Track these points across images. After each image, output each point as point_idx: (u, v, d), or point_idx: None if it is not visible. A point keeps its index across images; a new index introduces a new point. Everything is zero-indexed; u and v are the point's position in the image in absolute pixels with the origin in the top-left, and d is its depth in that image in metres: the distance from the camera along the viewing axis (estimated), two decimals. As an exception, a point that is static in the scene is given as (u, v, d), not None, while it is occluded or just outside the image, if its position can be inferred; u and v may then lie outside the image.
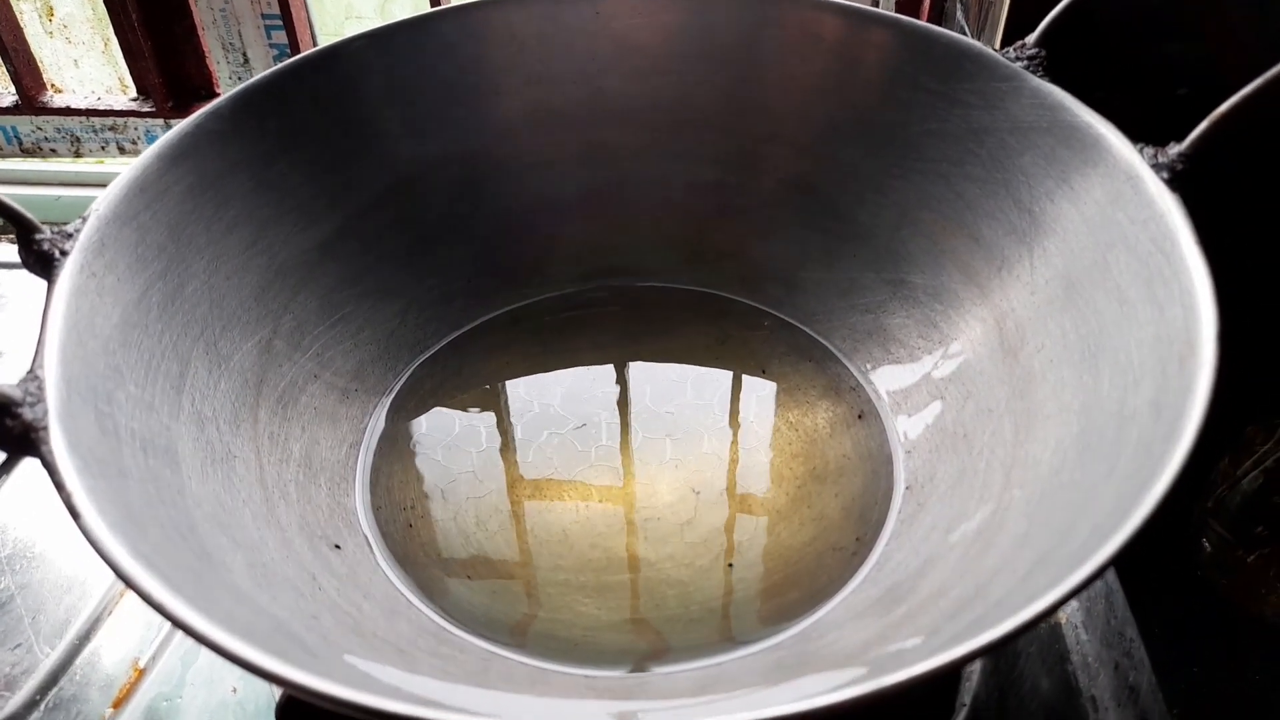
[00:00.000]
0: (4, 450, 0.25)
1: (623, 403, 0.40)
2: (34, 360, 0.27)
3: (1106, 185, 0.33)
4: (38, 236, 0.30)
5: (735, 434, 0.39)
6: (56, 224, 0.32)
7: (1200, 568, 0.42)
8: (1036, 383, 0.33)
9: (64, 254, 0.30)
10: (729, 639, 0.32)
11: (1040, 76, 0.36)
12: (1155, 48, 0.40)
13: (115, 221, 0.32)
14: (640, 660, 0.32)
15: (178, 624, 0.22)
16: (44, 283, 0.54)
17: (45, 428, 0.25)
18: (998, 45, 0.38)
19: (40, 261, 0.30)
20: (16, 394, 0.26)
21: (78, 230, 0.31)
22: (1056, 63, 0.37)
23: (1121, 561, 0.37)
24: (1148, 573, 0.38)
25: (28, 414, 0.25)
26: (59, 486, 0.24)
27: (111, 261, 0.31)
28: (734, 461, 0.38)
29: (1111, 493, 0.26)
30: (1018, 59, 0.37)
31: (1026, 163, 0.36)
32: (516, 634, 0.32)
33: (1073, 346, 0.32)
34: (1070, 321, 0.33)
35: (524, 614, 0.33)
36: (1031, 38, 0.37)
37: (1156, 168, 0.31)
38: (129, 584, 0.22)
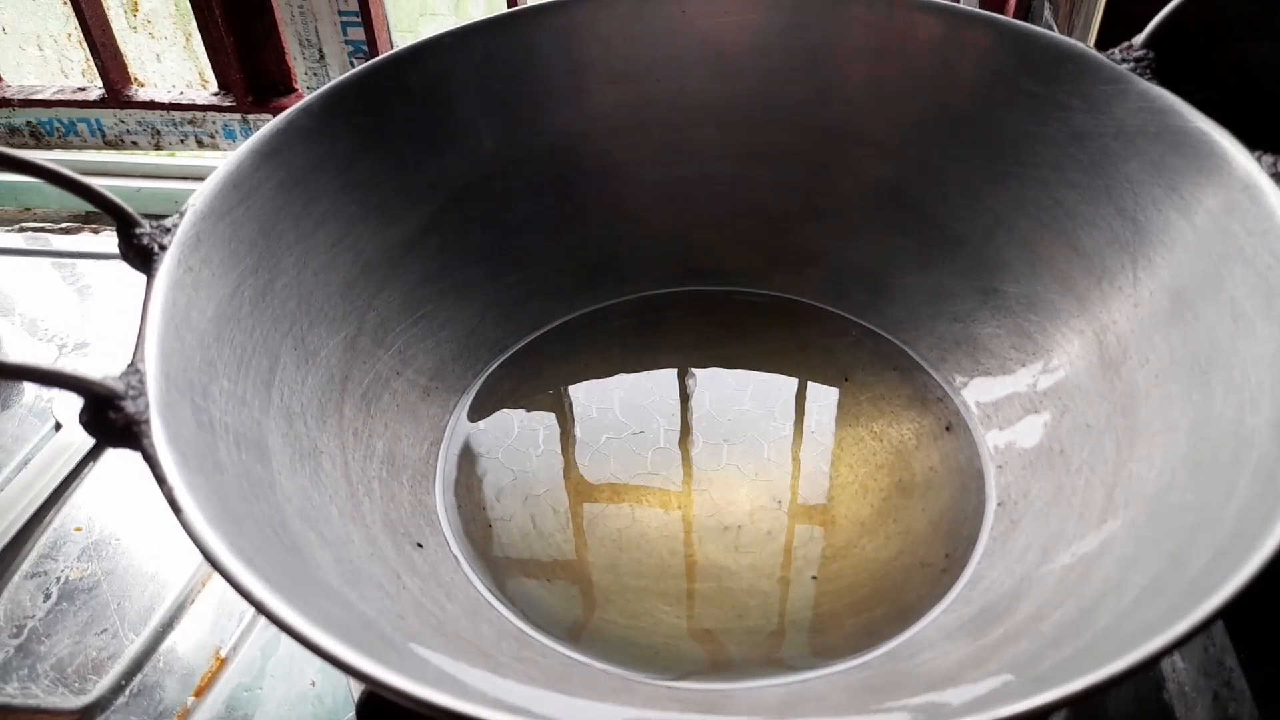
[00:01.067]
0: (106, 443, 0.26)
1: (707, 411, 0.40)
2: (134, 354, 0.27)
3: (1221, 195, 0.31)
4: (138, 231, 0.31)
5: (819, 444, 0.38)
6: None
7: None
8: (1140, 399, 0.32)
9: (162, 248, 0.30)
10: (814, 654, 0.32)
11: (1148, 79, 0.35)
12: (1270, 51, 0.38)
13: (210, 217, 0.32)
14: (722, 672, 0.31)
15: (278, 623, 0.22)
16: (123, 274, 0.55)
17: (147, 421, 0.25)
18: (1091, 45, 0.37)
19: (140, 255, 0.30)
20: (119, 387, 0.26)
21: (175, 225, 0.31)
22: (1164, 65, 0.35)
23: (1228, 606, 0.35)
24: (1250, 603, 0.37)
25: (130, 407, 0.26)
26: (160, 481, 0.24)
27: (207, 256, 0.32)
28: (817, 472, 0.37)
29: (1231, 519, 0.25)
30: (1124, 60, 0.35)
31: (1132, 169, 0.34)
32: (597, 640, 0.32)
33: (1180, 362, 0.31)
34: (1178, 336, 0.32)
35: (604, 619, 0.33)
36: (1139, 39, 0.36)
37: (1276, 177, 0.30)
38: (229, 580, 0.22)
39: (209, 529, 0.23)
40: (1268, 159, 0.31)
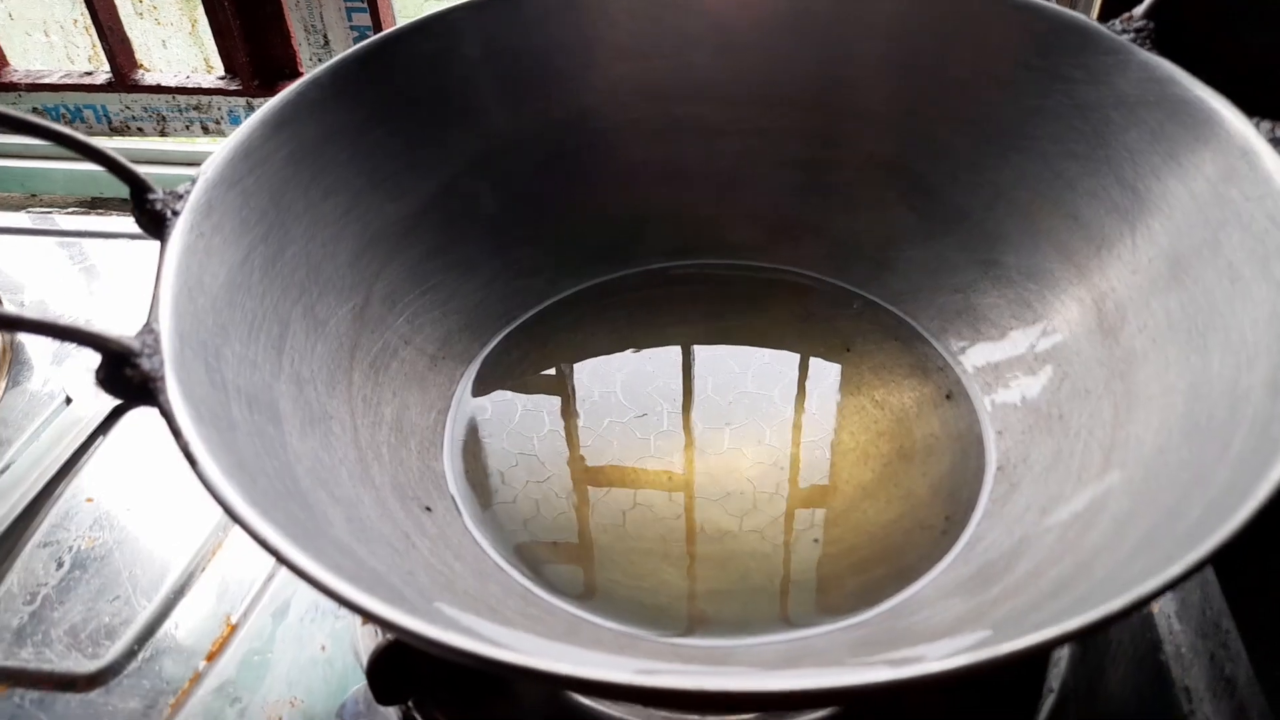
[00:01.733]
0: (124, 399, 0.26)
1: (710, 383, 0.40)
2: (150, 314, 0.28)
3: (1219, 161, 0.32)
4: (151, 197, 0.31)
5: (822, 413, 0.39)
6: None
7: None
8: (1138, 363, 0.33)
9: (175, 214, 0.31)
10: (816, 613, 0.32)
11: (1148, 50, 0.35)
12: (1273, 22, 0.39)
13: (221, 185, 0.33)
14: (726, 630, 0.32)
15: (294, 568, 0.22)
16: (129, 253, 0.55)
17: (162, 378, 0.26)
18: (1095, 19, 0.37)
19: (153, 221, 0.31)
20: (135, 345, 0.26)
21: (187, 192, 0.32)
22: (1165, 36, 0.36)
23: (1222, 550, 0.36)
24: (1247, 565, 0.37)
25: (145, 364, 0.26)
26: (176, 434, 0.25)
27: (218, 223, 0.32)
28: (820, 440, 0.38)
29: (1225, 473, 0.25)
30: (1124, 31, 0.36)
31: (1132, 139, 0.35)
32: (602, 599, 0.32)
33: (1178, 326, 0.32)
34: (1176, 301, 0.32)
35: (609, 580, 0.33)
36: (1139, 9, 0.36)
37: (1275, 143, 0.30)
38: (246, 528, 0.23)
39: (224, 480, 0.24)
40: (1265, 125, 0.31)
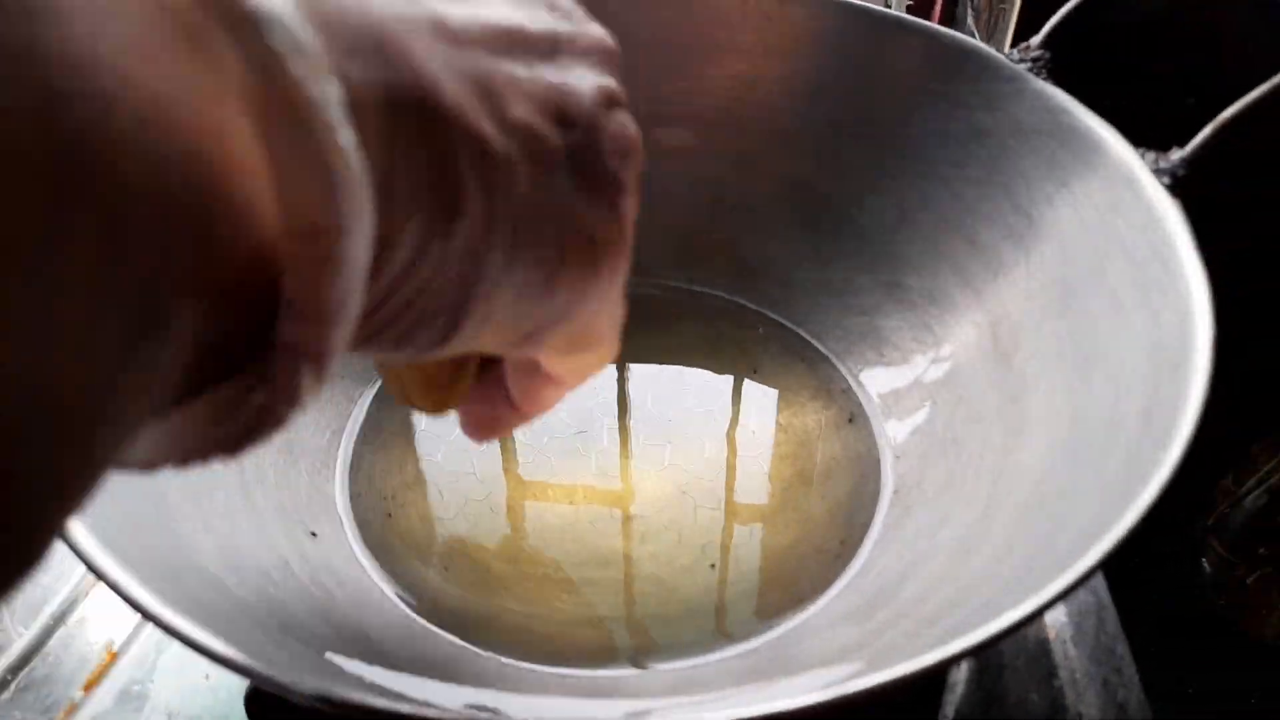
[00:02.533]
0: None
1: (614, 404, 0.40)
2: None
3: (1106, 190, 0.32)
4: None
5: (725, 436, 0.38)
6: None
7: (1200, 588, 0.41)
8: (1029, 389, 0.33)
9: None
10: (708, 641, 0.32)
11: (1044, 79, 0.35)
12: (1166, 56, 0.39)
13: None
14: (616, 659, 0.31)
15: (110, 584, 0.21)
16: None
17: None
18: (1007, 50, 0.37)
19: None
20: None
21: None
22: (1062, 67, 0.36)
23: (1115, 577, 0.36)
24: (1143, 590, 0.38)
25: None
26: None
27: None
28: (722, 463, 0.38)
29: (1096, 502, 0.25)
30: (1021, 60, 0.36)
31: (1027, 166, 0.35)
32: (489, 629, 0.32)
33: (1066, 353, 0.32)
34: (1065, 328, 0.32)
35: (499, 608, 0.33)
36: (1036, 39, 0.36)
37: (1158, 173, 0.31)
38: (76, 552, 0.22)
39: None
40: (1150, 155, 0.32)
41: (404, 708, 0.19)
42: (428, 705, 0.18)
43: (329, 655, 0.26)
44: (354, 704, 0.19)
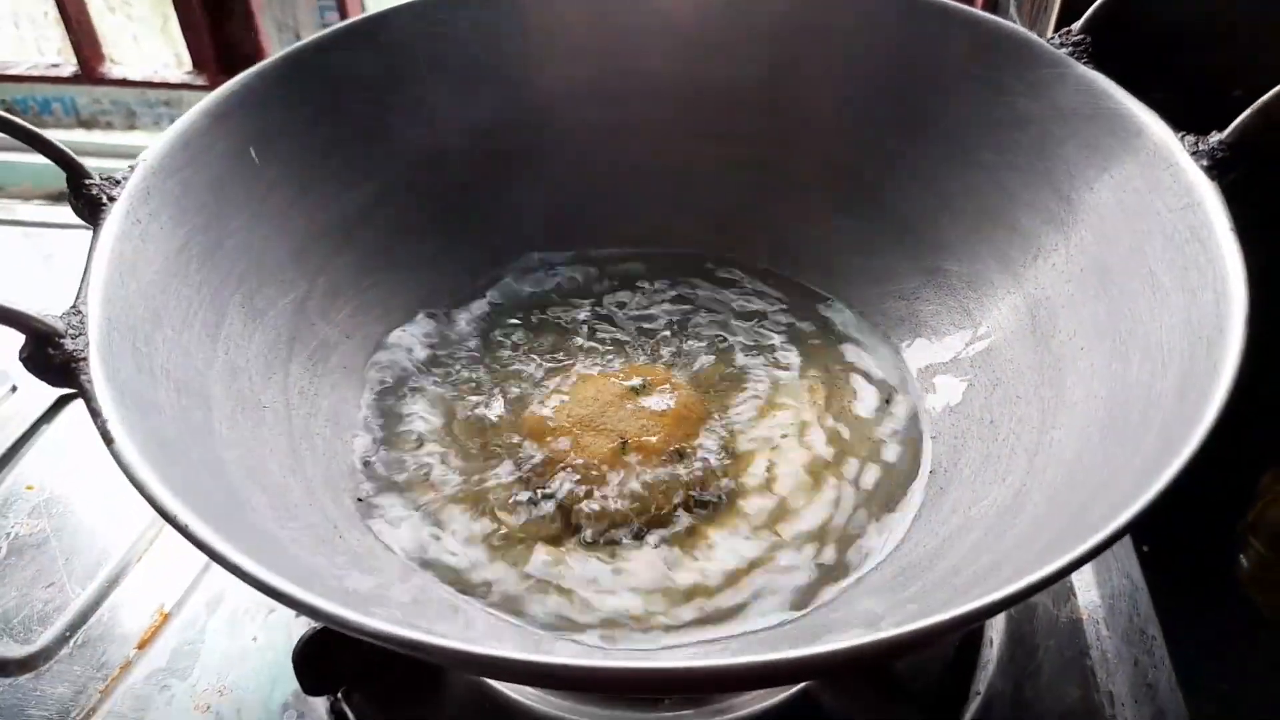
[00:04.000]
0: (46, 379, 0.26)
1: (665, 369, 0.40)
2: (77, 296, 0.28)
3: (1146, 173, 0.32)
4: (87, 182, 0.31)
5: (767, 415, 0.39)
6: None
7: (1238, 583, 0.41)
8: (1066, 370, 0.33)
9: (111, 200, 0.31)
10: (743, 615, 0.32)
11: (1085, 64, 0.36)
12: (1211, 48, 0.39)
13: (161, 173, 0.33)
14: (654, 630, 0.32)
15: (202, 545, 0.22)
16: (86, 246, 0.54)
17: (85, 359, 0.26)
18: (1050, 36, 0.38)
19: (89, 206, 0.31)
20: (59, 325, 0.26)
21: (125, 178, 0.32)
22: (1103, 52, 0.36)
23: (1156, 563, 0.36)
24: (1181, 581, 0.38)
25: (69, 344, 0.26)
26: (94, 414, 0.25)
27: (155, 210, 0.32)
28: (763, 442, 0.38)
29: (1131, 476, 0.25)
30: (1063, 45, 0.36)
31: (1069, 151, 0.35)
32: (528, 600, 0.32)
33: (1104, 334, 0.32)
34: (1104, 309, 0.33)
35: (539, 581, 0.33)
36: (1078, 25, 0.37)
37: (1196, 155, 0.31)
38: (154, 505, 0.23)
39: (140, 459, 0.24)
40: (1190, 138, 0.32)
41: (472, 647, 0.19)
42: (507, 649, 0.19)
43: (380, 609, 0.27)
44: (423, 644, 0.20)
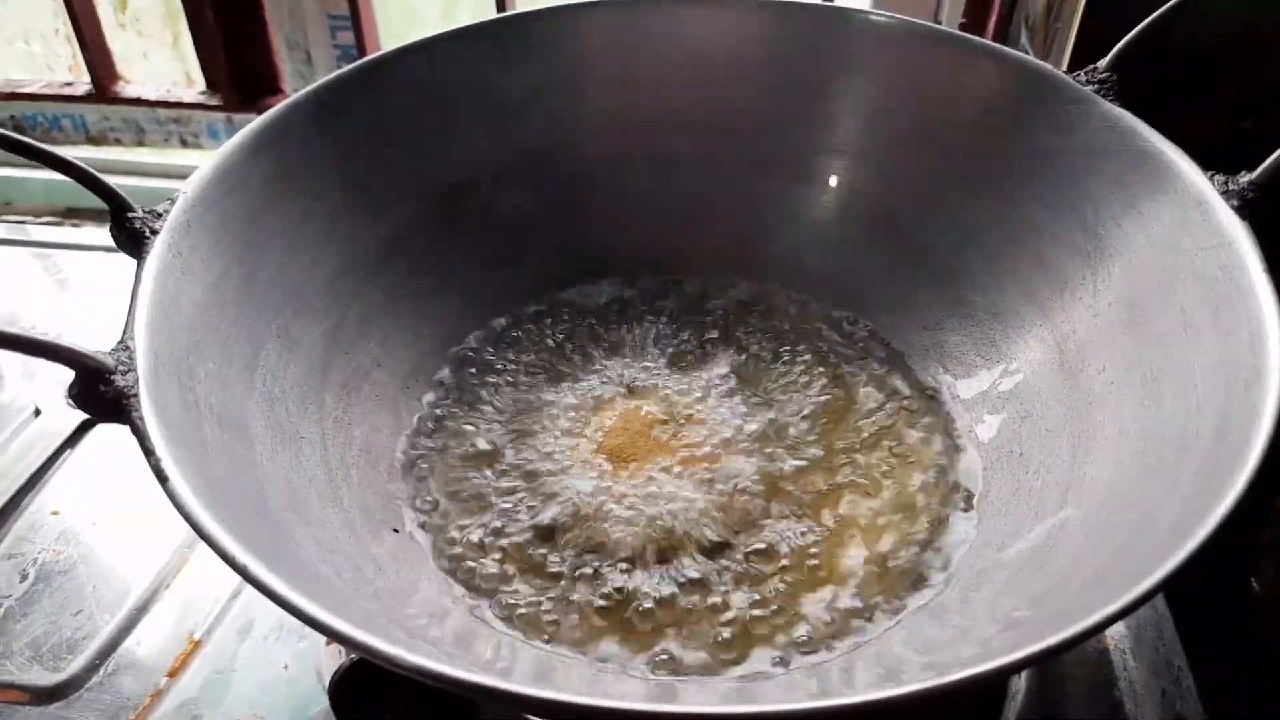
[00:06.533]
0: (96, 416, 0.27)
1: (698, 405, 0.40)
2: (125, 332, 0.28)
3: (1175, 211, 0.33)
4: (130, 215, 0.31)
5: (807, 441, 0.39)
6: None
7: (1248, 609, 0.41)
8: (1096, 404, 0.34)
9: (154, 233, 0.31)
10: (789, 648, 0.32)
11: (1111, 101, 0.36)
12: (1226, 79, 0.40)
13: (200, 205, 0.33)
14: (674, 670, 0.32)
15: (263, 589, 0.22)
16: (102, 266, 0.55)
17: (136, 395, 0.26)
18: (1064, 70, 0.38)
19: (131, 239, 0.31)
20: (110, 362, 0.27)
21: (166, 211, 0.32)
22: (1127, 88, 0.37)
23: (1176, 591, 0.37)
24: (1202, 606, 0.38)
25: (120, 381, 0.26)
26: (149, 453, 0.25)
27: (195, 243, 0.32)
28: (783, 475, 0.38)
29: (1171, 516, 0.26)
30: (1089, 82, 0.37)
31: (1094, 186, 0.36)
32: (567, 634, 0.33)
33: (1135, 370, 0.32)
34: (1133, 344, 0.33)
35: (575, 615, 0.33)
36: (1104, 62, 0.37)
37: (1226, 195, 0.32)
38: (215, 548, 0.23)
39: (194, 499, 0.24)
40: (1219, 178, 0.32)
41: (528, 690, 0.20)
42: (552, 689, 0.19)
43: (423, 645, 0.27)
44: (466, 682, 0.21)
